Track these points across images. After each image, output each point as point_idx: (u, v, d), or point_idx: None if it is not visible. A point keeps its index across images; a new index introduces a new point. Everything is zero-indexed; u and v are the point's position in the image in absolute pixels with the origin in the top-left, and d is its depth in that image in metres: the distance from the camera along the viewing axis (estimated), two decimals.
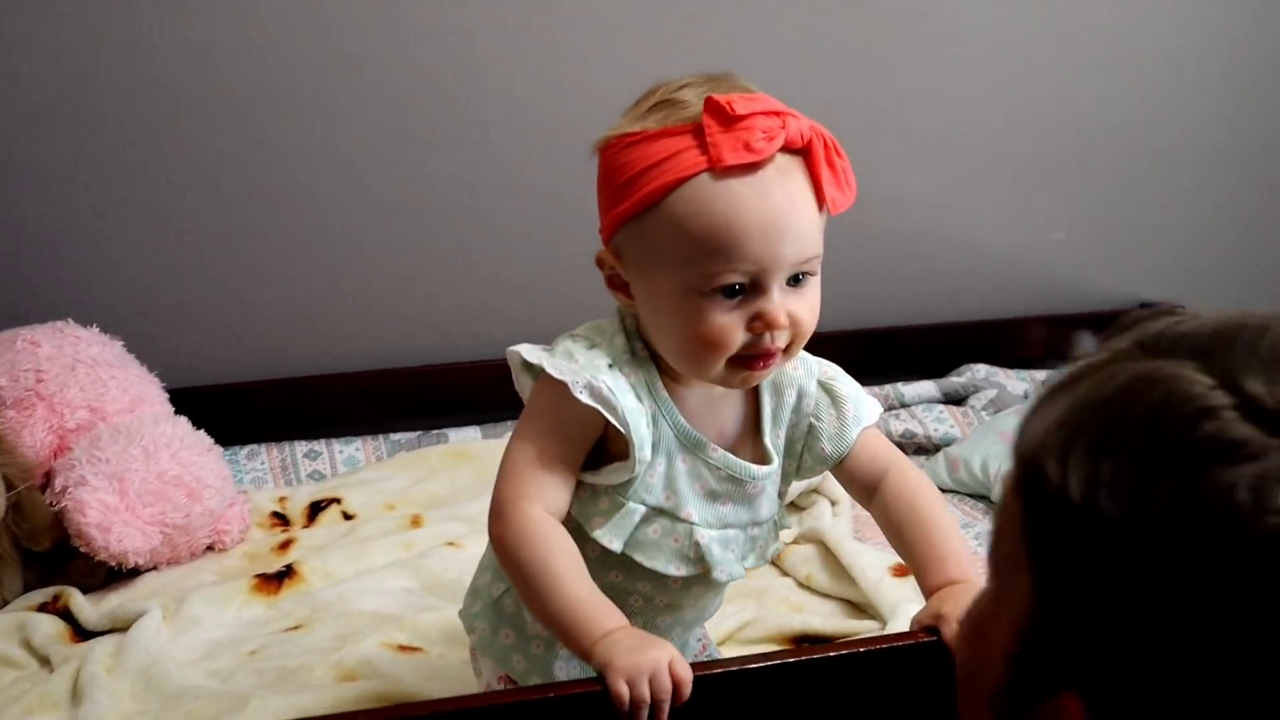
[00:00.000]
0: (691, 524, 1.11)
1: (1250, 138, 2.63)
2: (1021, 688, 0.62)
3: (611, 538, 1.09)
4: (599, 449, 1.10)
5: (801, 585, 1.66)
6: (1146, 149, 2.58)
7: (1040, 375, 2.46)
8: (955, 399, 2.33)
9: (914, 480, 1.17)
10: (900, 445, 2.12)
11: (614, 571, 1.13)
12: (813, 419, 1.16)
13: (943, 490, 1.82)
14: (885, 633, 1.43)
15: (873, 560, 1.59)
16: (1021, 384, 2.39)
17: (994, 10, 2.41)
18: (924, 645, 1.05)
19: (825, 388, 1.17)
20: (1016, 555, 0.62)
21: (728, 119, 0.98)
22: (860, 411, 1.17)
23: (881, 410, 1.21)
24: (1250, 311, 0.62)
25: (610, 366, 1.07)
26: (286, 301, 2.24)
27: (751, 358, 1.04)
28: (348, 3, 2.13)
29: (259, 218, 2.18)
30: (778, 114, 1.00)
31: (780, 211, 1.00)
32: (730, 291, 1.01)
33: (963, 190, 2.48)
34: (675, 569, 1.11)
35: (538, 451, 1.06)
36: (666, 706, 0.94)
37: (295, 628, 1.59)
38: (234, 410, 2.15)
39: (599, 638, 0.98)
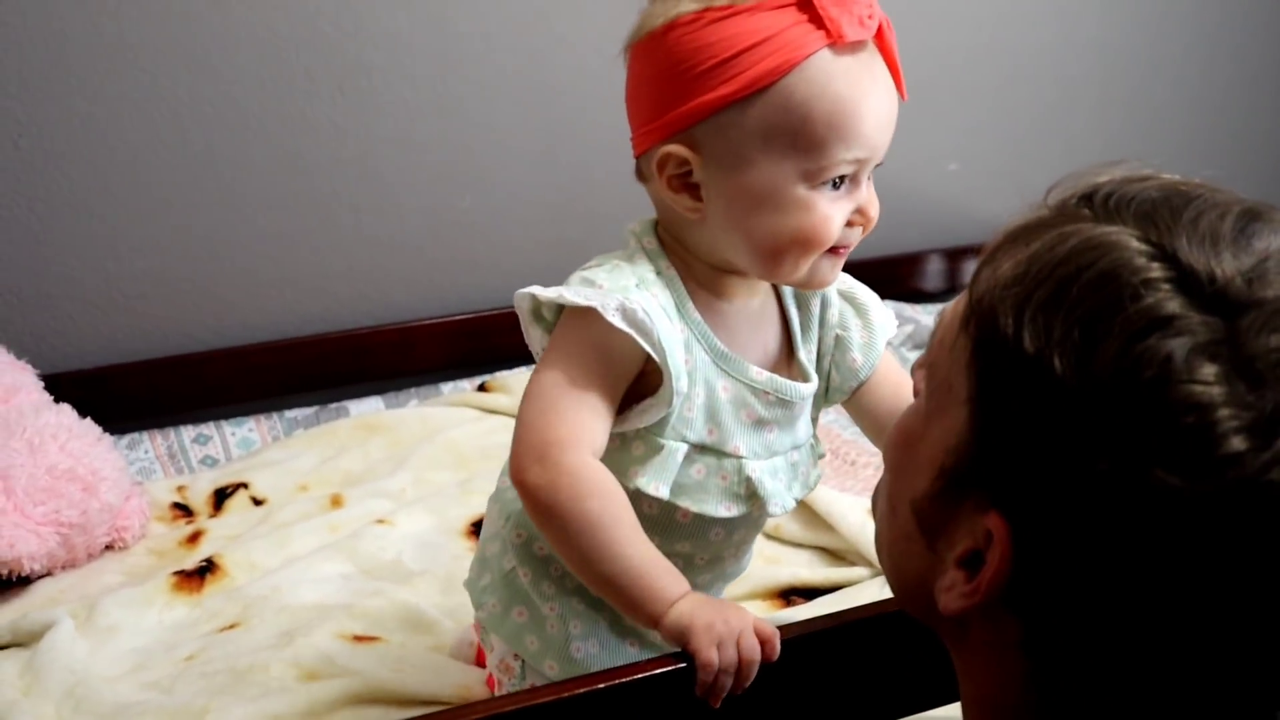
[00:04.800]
0: (740, 458, 1.01)
1: (1135, 60, 2.67)
2: (946, 498, 0.69)
3: (656, 484, 0.97)
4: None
5: (770, 537, 1.59)
6: (1030, 77, 2.58)
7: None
8: None
9: None
10: None
11: (649, 535, 1.02)
12: (839, 330, 1.08)
13: None
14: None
15: (852, 505, 1.53)
16: (934, 318, 2.37)
17: None
18: None
19: (846, 296, 1.10)
20: (957, 384, 0.68)
21: None
22: (885, 319, 1.11)
23: (897, 322, 1.14)
24: (1192, 181, 0.69)
25: (638, 285, 0.96)
26: (155, 272, 2.02)
27: (833, 252, 0.97)
28: None
29: (117, 178, 1.96)
30: None
31: (887, 95, 0.94)
32: (836, 183, 0.94)
33: None
34: (726, 509, 1.01)
35: (570, 380, 0.93)
36: (755, 669, 0.86)
37: (231, 626, 1.43)
38: (107, 395, 1.95)
39: (671, 602, 0.88)
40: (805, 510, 1.58)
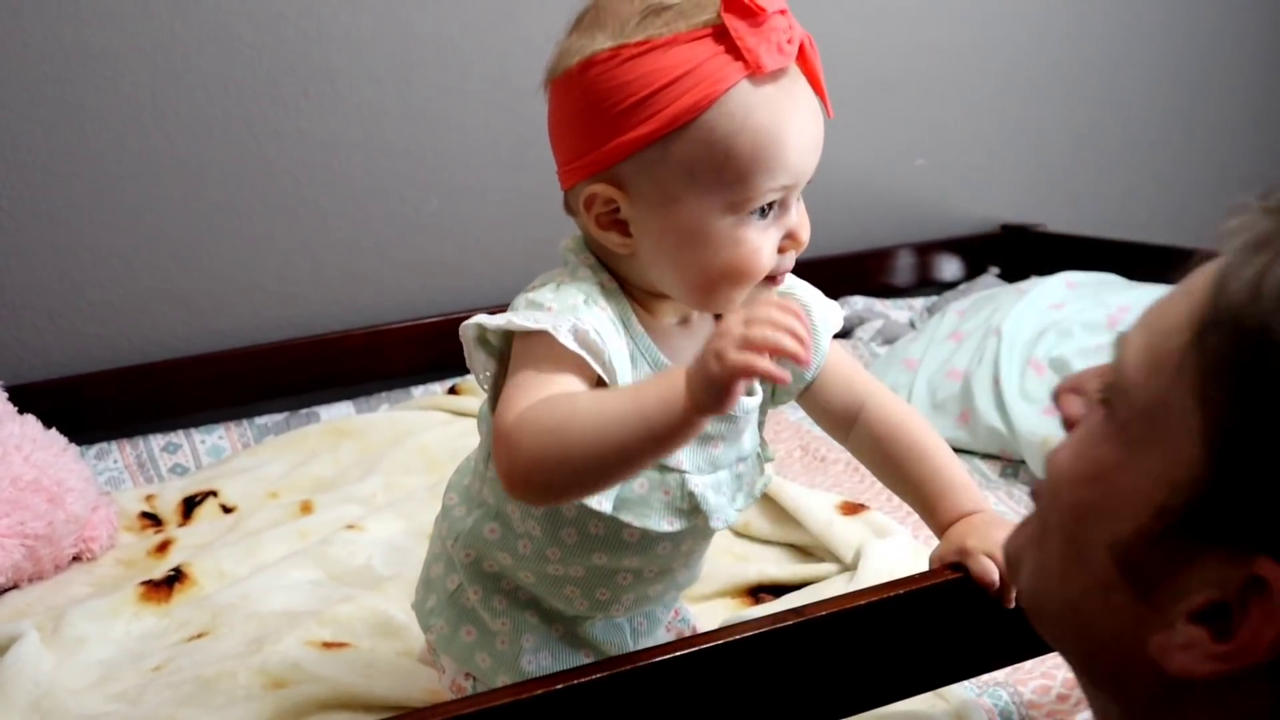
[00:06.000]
0: (683, 473, 0.99)
1: (1095, 55, 2.68)
2: (1170, 541, 0.61)
3: (599, 498, 0.95)
4: None
5: (739, 534, 1.59)
6: (996, 71, 2.59)
7: (916, 302, 2.45)
8: (841, 332, 2.30)
9: (899, 409, 1.10)
10: None
11: (596, 554, 1.01)
12: None
13: None
14: (857, 573, 1.37)
15: (819, 501, 1.53)
16: (903, 312, 2.38)
17: None
18: (952, 583, 0.99)
19: (785, 297, 1.06)
20: (1180, 411, 0.61)
21: (755, 18, 0.88)
22: (827, 317, 1.08)
23: (843, 315, 1.13)
24: None
25: (586, 302, 0.94)
26: (121, 279, 2.02)
27: (771, 277, 0.96)
28: None
29: (81, 186, 1.96)
30: (783, 12, 0.91)
31: (812, 118, 0.93)
32: (764, 211, 0.93)
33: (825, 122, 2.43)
34: (669, 524, 0.99)
35: (535, 389, 0.88)
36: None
37: (199, 635, 1.42)
38: (74, 405, 1.94)
39: (682, 384, 0.80)
40: (773, 507, 1.58)
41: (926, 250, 2.58)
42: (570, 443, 0.83)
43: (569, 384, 0.89)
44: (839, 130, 2.56)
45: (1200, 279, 0.63)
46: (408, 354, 2.16)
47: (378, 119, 2.11)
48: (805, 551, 1.54)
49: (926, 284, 2.58)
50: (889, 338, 2.27)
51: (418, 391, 2.15)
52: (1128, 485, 0.64)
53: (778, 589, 1.44)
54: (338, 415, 2.08)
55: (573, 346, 0.89)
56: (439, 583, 1.11)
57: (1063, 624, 0.70)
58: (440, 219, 2.19)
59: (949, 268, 2.60)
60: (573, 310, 0.92)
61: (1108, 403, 0.67)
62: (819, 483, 1.67)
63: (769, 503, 1.58)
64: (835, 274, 2.46)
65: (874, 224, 2.55)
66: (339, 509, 1.72)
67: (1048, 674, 1.23)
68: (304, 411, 2.08)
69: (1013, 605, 1.00)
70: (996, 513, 1.05)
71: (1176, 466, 0.61)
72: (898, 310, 2.39)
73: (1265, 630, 0.57)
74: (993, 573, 0.98)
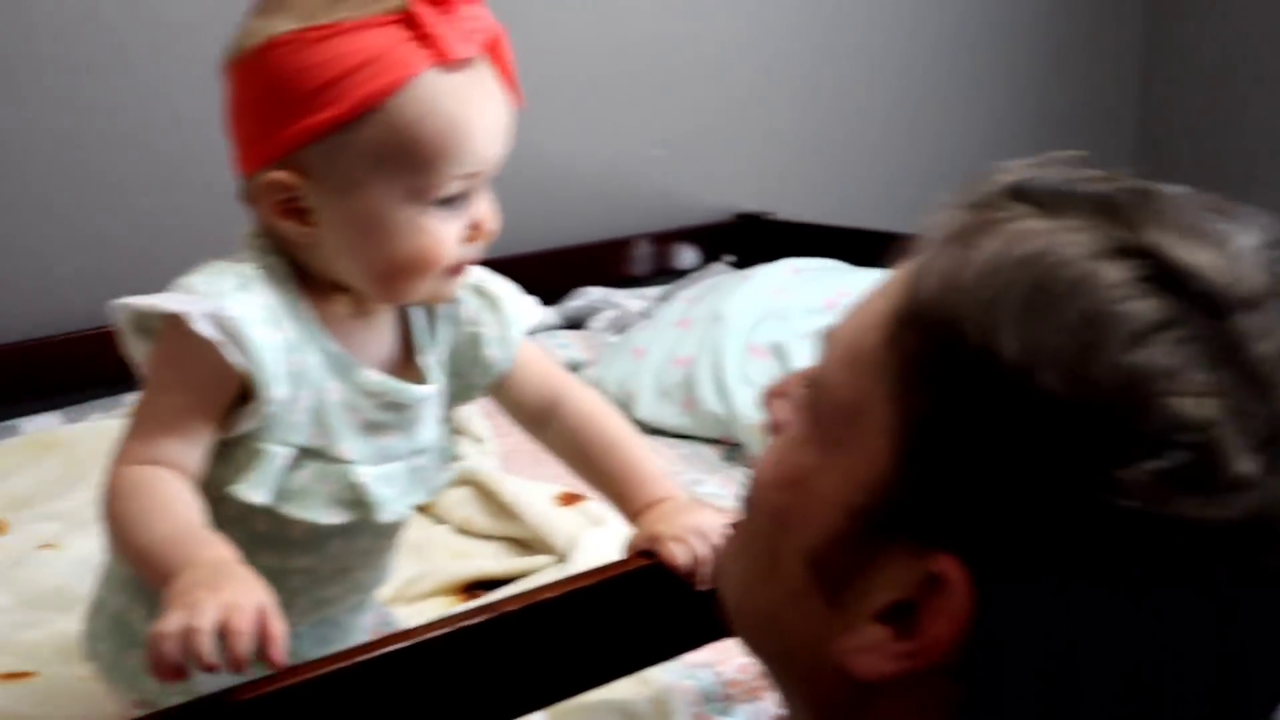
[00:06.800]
0: (348, 463, 0.97)
1: (821, 49, 2.76)
2: (858, 543, 0.59)
3: (254, 490, 0.93)
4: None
5: (461, 530, 1.57)
6: (729, 63, 2.64)
7: (651, 291, 2.47)
8: (575, 323, 2.30)
9: (592, 403, 1.12)
10: None
11: (263, 553, 0.97)
12: (471, 327, 1.06)
13: None
14: (569, 564, 1.37)
15: (538, 493, 1.53)
16: (638, 301, 2.40)
17: None
18: (644, 569, 1.00)
19: (478, 290, 1.08)
20: (871, 410, 0.59)
21: (444, 6, 0.88)
22: (520, 310, 1.09)
23: (540, 308, 1.14)
24: (1127, 176, 0.61)
25: (239, 288, 0.92)
26: None
27: (455, 267, 0.96)
28: None
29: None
30: (475, 2, 0.91)
31: (499, 108, 0.94)
32: (448, 200, 0.92)
33: (560, 111, 2.43)
34: (332, 516, 0.97)
35: (157, 408, 0.91)
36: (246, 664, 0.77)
37: None
38: None
39: (187, 567, 0.81)
40: (494, 502, 1.57)
41: (664, 239, 2.60)
42: (118, 526, 0.89)
43: (200, 381, 0.90)
44: (576, 121, 2.56)
45: (899, 274, 0.62)
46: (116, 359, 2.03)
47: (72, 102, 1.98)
48: (525, 545, 1.53)
49: (664, 273, 2.60)
50: (621, 327, 2.28)
51: (132, 399, 2.03)
52: (822, 489, 0.61)
53: (493, 584, 1.42)
54: (44, 426, 1.95)
55: (208, 333, 0.88)
56: (102, 606, 1.07)
57: (761, 633, 0.68)
58: (161, 218, 2.08)
59: (686, 256, 2.63)
60: (219, 295, 0.90)
61: (810, 404, 0.65)
62: (544, 475, 1.66)
63: (489, 498, 1.57)
64: (573, 264, 2.46)
65: (612, 214, 2.55)
66: (35, 527, 1.61)
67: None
68: (3, 424, 1.94)
69: (703, 588, 1.01)
70: (686, 498, 1.06)
71: (867, 466, 0.59)
72: (632, 300, 2.41)
73: (944, 628, 0.56)
74: (680, 556, 0.99)
